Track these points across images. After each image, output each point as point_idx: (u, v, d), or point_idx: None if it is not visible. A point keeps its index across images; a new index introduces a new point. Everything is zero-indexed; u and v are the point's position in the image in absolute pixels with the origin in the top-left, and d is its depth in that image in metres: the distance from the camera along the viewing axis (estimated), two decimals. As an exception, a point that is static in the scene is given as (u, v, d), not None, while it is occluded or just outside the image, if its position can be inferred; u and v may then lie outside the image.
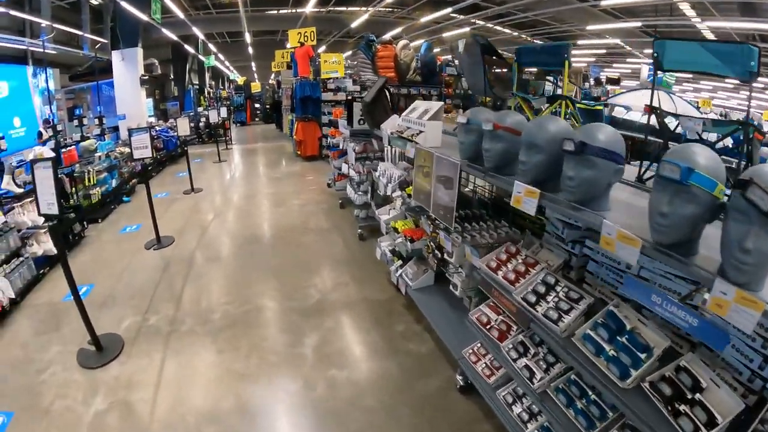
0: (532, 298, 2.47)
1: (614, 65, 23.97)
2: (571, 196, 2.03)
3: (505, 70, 4.58)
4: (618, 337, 2.09)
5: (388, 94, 5.15)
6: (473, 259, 3.02)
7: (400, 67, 10.50)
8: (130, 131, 6.32)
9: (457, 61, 5.66)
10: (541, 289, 2.51)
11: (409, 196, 4.20)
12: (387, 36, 11.79)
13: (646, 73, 15.76)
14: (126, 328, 4.35)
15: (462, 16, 18.55)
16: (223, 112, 15.75)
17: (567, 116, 3.65)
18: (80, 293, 4.89)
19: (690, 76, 21.27)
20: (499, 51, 4.57)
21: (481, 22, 19.30)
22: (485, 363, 3.15)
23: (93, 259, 6.07)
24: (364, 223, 6.47)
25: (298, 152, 12.47)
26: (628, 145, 2.09)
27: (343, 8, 18.78)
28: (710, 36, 14.36)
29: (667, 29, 15.35)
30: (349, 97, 6.10)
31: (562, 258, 2.73)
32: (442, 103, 3.80)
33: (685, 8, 12.86)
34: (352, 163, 6.29)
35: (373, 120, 5.14)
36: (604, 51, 20.85)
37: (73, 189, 7.44)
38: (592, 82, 17.27)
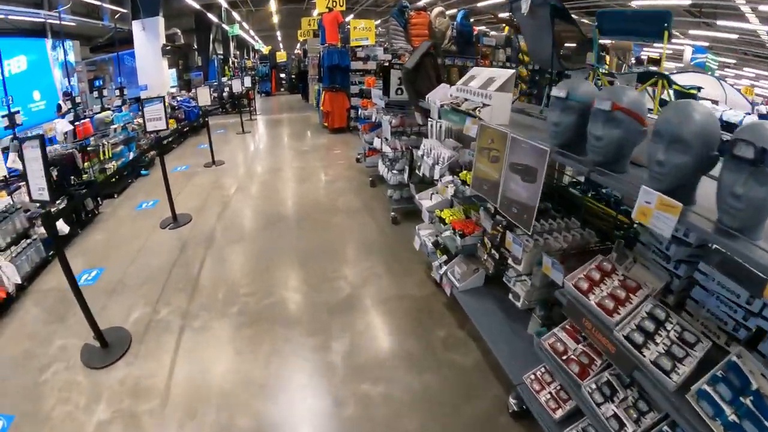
0: (639, 339, 1.86)
1: (655, 44, 22.42)
2: (734, 222, 1.41)
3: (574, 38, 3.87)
4: (741, 398, 1.57)
5: (433, 60, 4.46)
6: (554, 274, 2.37)
7: (435, 35, 9.78)
8: (143, 102, 5.76)
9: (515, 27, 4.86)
10: (649, 326, 1.89)
11: (464, 182, 3.54)
12: (421, 2, 10.92)
13: (689, 55, 15.07)
14: (135, 321, 3.87)
15: None
16: (247, 81, 15.14)
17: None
18: (90, 277, 4.58)
19: (733, 61, 19.97)
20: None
21: None
22: (550, 393, 2.56)
23: (106, 239, 5.60)
24: (398, 205, 5.84)
25: (325, 124, 11.80)
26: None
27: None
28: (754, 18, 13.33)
29: (711, 9, 14.35)
30: (385, 64, 5.41)
31: (664, 281, 2.10)
32: (513, 71, 3.10)
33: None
34: (386, 138, 5.64)
35: (415, 90, 4.48)
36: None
37: (88, 163, 6.99)
38: (633, 60, 16.11)
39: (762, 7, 11.95)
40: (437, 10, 10.13)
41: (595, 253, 2.40)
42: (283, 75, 25.64)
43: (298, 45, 24.97)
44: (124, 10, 13.94)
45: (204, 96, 9.65)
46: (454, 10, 13.84)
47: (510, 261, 2.95)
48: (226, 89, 16.40)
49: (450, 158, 3.83)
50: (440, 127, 4.38)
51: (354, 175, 7.86)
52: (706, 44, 16.86)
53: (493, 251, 3.20)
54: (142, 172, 8.34)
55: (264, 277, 4.54)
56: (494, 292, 3.53)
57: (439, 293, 4.13)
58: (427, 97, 4.05)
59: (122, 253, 5.14)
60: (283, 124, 14.13)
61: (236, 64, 27.53)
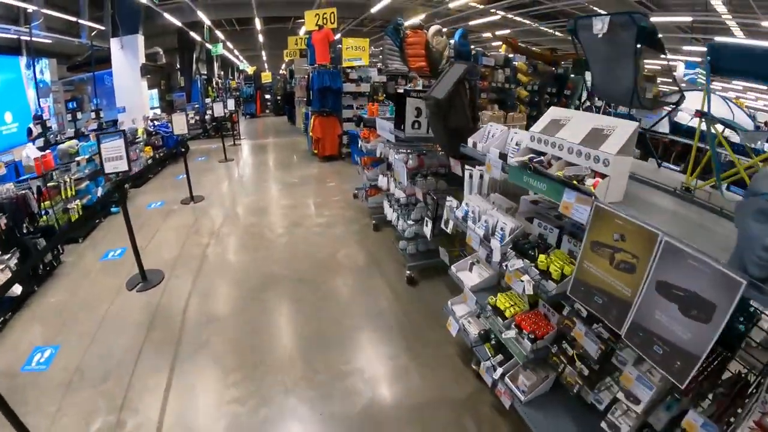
0: None
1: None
2: None
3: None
4: None
5: (470, 90, 3.45)
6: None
7: (432, 55, 8.98)
8: (99, 136, 4.64)
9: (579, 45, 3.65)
10: None
11: (543, 272, 2.50)
12: (417, 20, 10.01)
13: (682, 71, 14.22)
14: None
15: (481, 5, 16.78)
16: (230, 104, 14.04)
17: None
18: (42, 359, 3.66)
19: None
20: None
21: (501, 12, 17.54)
22: None
23: (65, 302, 4.46)
24: (414, 261, 4.77)
25: (315, 151, 10.67)
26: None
27: (361, -6, 16.96)
28: (740, 33, 13.03)
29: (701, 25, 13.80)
30: (399, 90, 4.40)
31: None
32: (636, 123, 2.07)
33: (717, 4, 11.39)
34: (401, 182, 4.59)
35: (447, 127, 3.45)
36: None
37: (48, 202, 5.82)
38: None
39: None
40: (434, 28, 9.22)
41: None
42: (268, 96, 24.56)
43: (284, 65, 23.93)
44: (103, 27, 12.79)
45: (180, 124, 8.42)
46: (444, 28, 13.06)
47: (621, 396, 1.94)
48: (209, 112, 15.26)
49: (514, 231, 2.79)
50: (481, 177, 3.35)
51: (353, 215, 6.75)
52: (699, 59, 16.31)
53: (588, 373, 2.18)
54: (113, 209, 7.13)
55: (255, 375, 3.39)
56: (566, 400, 2.60)
57: (484, 389, 3.11)
58: (472, 141, 3.04)
59: (82, 325, 4.03)
60: (268, 151, 12.97)
61: (220, 85, 26.38)
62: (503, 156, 2.76)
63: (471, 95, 3.49)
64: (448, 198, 3.75)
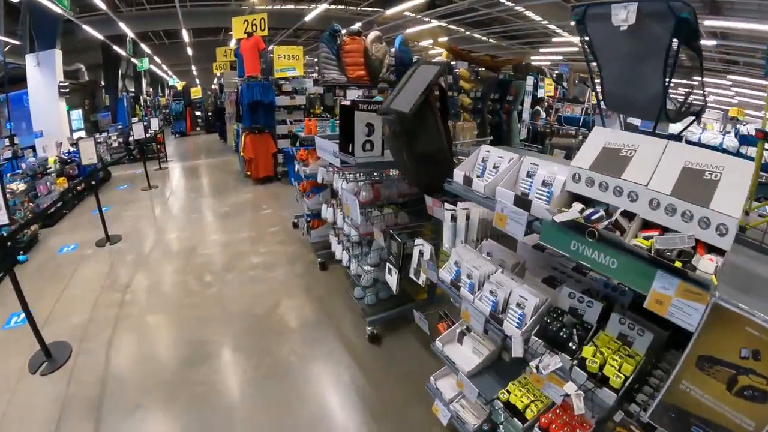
0: None
1: (569, 63, 22.01)
2: None
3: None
4: None
5: (442, 101, 2.50)
6: None
7: (372, 63, 8.17)
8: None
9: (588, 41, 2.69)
10: None
11: (593, 376, 1.55)
12: (355, 26, 9.05)
13: None
14: None
15: (414, 15, 16.28)
16: (154, 123, 12.52)
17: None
18: None
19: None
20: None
21: (436, 21, 17.08)
22: None
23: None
24: (376, 314, 3.72)
25: (248, 173, 9.42)
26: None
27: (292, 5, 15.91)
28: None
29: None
30: (345, 102, 3.39)
31: None
32: (750, 163, 1.18)
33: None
34: (352, 219, 3.55)
35: (415, 153, 2.47)
36: (576, 49, 18.78)
37: None
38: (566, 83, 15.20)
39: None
40: (373, 34, 8.28)
41: None
42: (198, 113, 22.81)
43: (216, 79, 22.34)
44: (18, 42, 11.01)
45: (88, 151, 6.92)
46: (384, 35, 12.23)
47: None
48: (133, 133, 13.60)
49: (539, 308, 1.84)
50: (468, 219, 2.40)
51: (295, 251, 5.60)
52: None
53: None
54: (20, 257, 5.67)
55: None
56: None
57: None
58: (461, 174, 2.08)
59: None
60: (199, 174, 11.47)
61: (148, 103, 24.33)
62: (524, 202, 1.79)
63: (444, 107, 2.54)
64: (417, 240, 2.79)
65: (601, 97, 2.50)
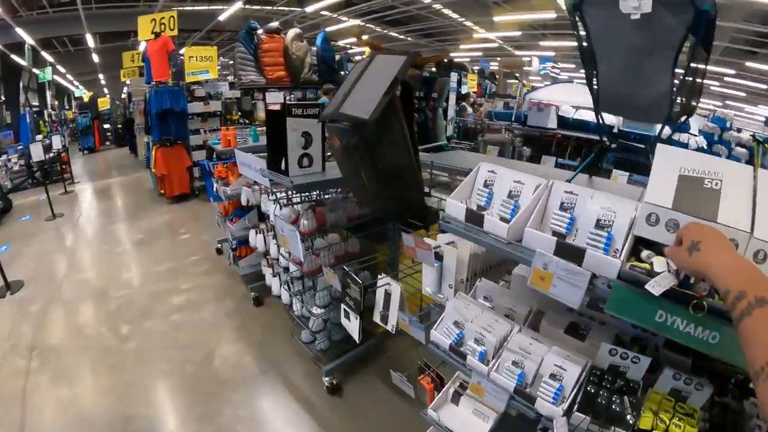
0: None
1: (498, 59, 22.22)
2: None
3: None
4: None
5: (407, 102, 1.83)
6: None
7: (292, 62, 7.67)
8: None
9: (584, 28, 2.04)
10: None
11: None
12: (274, 24, 8.14)
13: (537, 64, 14.73)
14: None
15: (331, 14, 15.75)
16: (56, 141, 10.89)
17: None
18: None
19: (573, 66, 19.70)
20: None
21: (354, 20, 16.62)
22: None
23: None
24: (333, 361, 3.00)
25: (162, 191, 8.21)
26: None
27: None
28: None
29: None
30: (275, 106, 2.61)
31: None
32: None
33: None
34: (291, 253, 2.77)
35: (376, 171, 1.78)
36: (495, 45, 18.78)
37: None
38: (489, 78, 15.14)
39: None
40: (293, 32, 7.61)
41: None
42: (107, 126, 20.68)
43: (125, 88, 20.32)
44: None
45: None
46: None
47: None
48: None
49: (579, 379, 1.23)
50: (456, 257, 1.73)
51: (222, 283, 4.70)
52: (552, 54, 16.62)
53: None
54: None
55: None
56: None
57: None
58: (458, 203, 1.40)
59: None
60: (109, 195, 9.94)
61: (54, 117, 21.76)
62: (571, 251, 1.14)
63: (410, 109, 1.86)
64: (381, 279, 2.12)
65: (596, 96, 1.93)
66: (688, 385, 1.34)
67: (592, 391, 1.38)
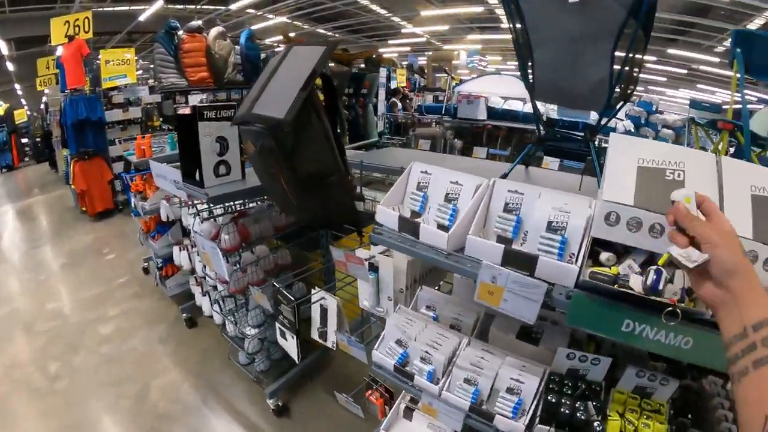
0: None
1: (426, 53, 22.28)
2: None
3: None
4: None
5: (330, 98, 1.61)
6: None
7: (215, 63, 7.30)
8: None
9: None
10: None
11: None
12: (195, 23, 7.59)
13: (465, 57, 14.81)
14: None
15: (256, 11, 15.19)
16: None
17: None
18: None
19: (500, 58, 20.00)
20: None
21: (281, 18, 16.12)
22: None
23: None
24: (276, 381, 2.75)
25: (84, 208, 7.45)
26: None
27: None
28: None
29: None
30: (185, 110, 2.29)
31: None
32: None
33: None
34: (220, 273, 2.46)
35: (297, 177, 1.54)
36: (423, 39, 18.74)
37: None
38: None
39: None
40: (216, 31, 7.19)
41: None
42: (26, 140, 19.05)
43: (43, 98, 18.69)
44: None
45: None
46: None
47: None
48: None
49: (538, 391, 1.09)
50: (393, 266, 1.53)
51: (152, 307, 4.24)
52: (479, 47, 16.87)
53: None
54: None
55: None
56: None
57: None
58: (389, 211, 1.19)
59: None
60: (31, 216, 8.86)
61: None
62: (522, 259, 0.97)
63: (333, 106, 1.64)
64: (315, 294, 1.90)
65: (531, 86, 1.79)
66: (653, 381, 1.27)
67: (554, 400, 1.25)
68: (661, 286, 0.88)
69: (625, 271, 0.96)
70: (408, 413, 1.80)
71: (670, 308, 0.86)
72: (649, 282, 0.88)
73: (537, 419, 1.25)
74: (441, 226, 1.19)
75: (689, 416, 1.38)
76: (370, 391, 2.03)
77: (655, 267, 0.91)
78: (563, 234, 1.03)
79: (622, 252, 1.03)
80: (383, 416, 1.83)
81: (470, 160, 3.67)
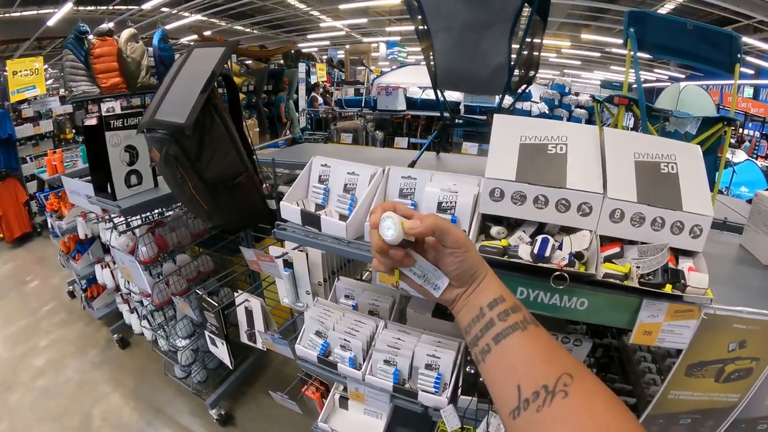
0: None
1: (346, 46, 22.16)
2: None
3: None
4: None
5: (233, 97, 1.57)
6: None
7: (128, 67, 6.97)
8: None
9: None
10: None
11: None
12: (105, 26, 7.09)
13: (384, 49, 15.45)
14: None
15: (170, 10, 14.39)
16: None
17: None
18: None
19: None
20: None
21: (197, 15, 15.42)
22: None
23: None
24: (216, 390, 2.70)
25: (0, 236, 6.93)
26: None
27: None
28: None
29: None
30: (90, 121, 2.14)
31: None
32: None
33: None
34: (141, 287, 2.35)
35: (204, 182, 1.50)
36: (343, 33, 18.57)
37: None
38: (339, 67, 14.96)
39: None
40: (127, 33, 6.81)
41: None
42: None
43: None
44: None
45: None
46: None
47: None
48: None
49: (457, 358, 1.11)
50: (308, 260, 1.53)
51: (82, 332, 3.95)
52: (398, 38, 17.00)
53: None
54: None
55: None
56: None
57: None
58: (293, 206, 1.18)
59: None
60: None
61: None
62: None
63: (235, 105, 1.59)
64: (238, 296, 1.87)
65: (433, 74, 1.82)
66: (567, 342, 1.31)
67: (472, 371, 1.31)
68: (547, 253, 0.93)
69: (516, 242, 1.00)
70: (343, 402, 1.81)
71: (557, 272, 0.90)
72: (536, 250, 0.93)
73: (459, 391, 1.30)
74: (342, 216, 1.19)
75: (615, 372, 1.47)
76: (305, 387, 2.02)
77: (542, 236, 0.95)
78: (452, 213, 1.06)
79: (514, 225, 1.07)
80: (322, 408, 1.83)
81: (392, 150, 3.69)
